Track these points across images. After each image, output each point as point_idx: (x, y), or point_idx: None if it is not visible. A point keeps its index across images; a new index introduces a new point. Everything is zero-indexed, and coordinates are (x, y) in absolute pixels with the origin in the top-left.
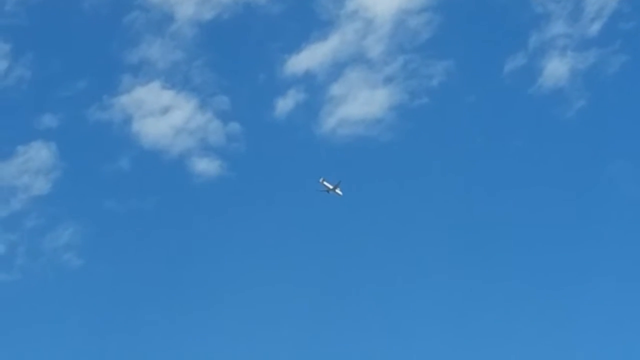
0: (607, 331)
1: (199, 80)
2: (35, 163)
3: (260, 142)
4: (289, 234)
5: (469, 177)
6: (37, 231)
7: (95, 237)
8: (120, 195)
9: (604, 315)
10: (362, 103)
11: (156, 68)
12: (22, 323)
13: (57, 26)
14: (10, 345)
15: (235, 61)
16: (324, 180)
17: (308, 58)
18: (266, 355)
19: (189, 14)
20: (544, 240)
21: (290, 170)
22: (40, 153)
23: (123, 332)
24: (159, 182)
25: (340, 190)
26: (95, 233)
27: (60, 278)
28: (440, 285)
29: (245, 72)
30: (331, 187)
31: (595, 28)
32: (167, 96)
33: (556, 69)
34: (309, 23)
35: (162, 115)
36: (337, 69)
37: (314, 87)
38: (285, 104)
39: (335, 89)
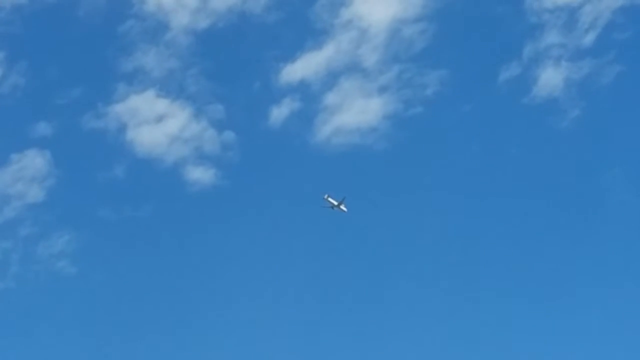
0: (601, 339)
1: (194, 88)
2: (29, 171)
3: (254, 150)
4: (283, 242)
5: (463, 187)
6: (31, 239)
7: (89, 245)
8: (114, 204)
9: (600, 324)
10: (356, 112)
11: (151, 76)
12: (16, 331)
13: (52, 34)
14: (4, 353)
15: (230, 70)
16: (328, 196)
17: (303, 67)
18: None
19: (184, 22)
20: (539, 249)
21: (284, 179)
22: (34, 161)
23: (117, 339)
24: (153, 191)
25: (345, 207)
26: (89, 241)
27: (54, 286)
28: (435, 293)
29: (240, 80)
30: (336, 203)
31: (589, 38)
32: (161, 104)
33: (551, 78)
34: (304, 32)
35: (157, 123)
36: (331, 78)
37: (309, 96)
38: (280, 113)
39: (330, 98)
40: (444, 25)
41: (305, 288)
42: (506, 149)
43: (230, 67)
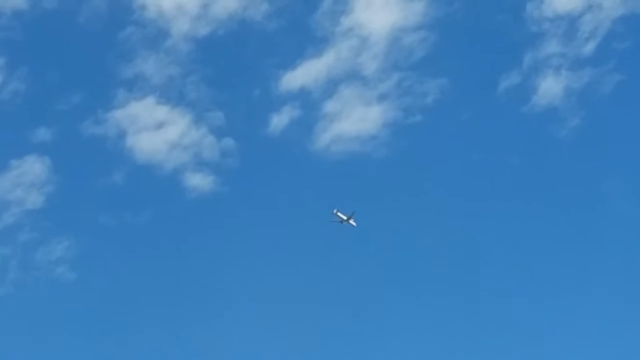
0: (602, 339)
1: (194, 95)
2: (29, 177)
3: (254, 157)
4: (282, 249)
5: (463, 194)
6: (30, 245)
7: (88, 251)
8: (114, 210)
9: (599, 333)
10: (356, 120)
11: (151, 83)
12: (15, 337)
13: (52, 40)
14: (4, 359)
15: (230, 77)
16: (337, 211)
17: (303, 74)
18: None
19: (185, 29)
20: (539, 258)
21: (284, 186)
22: (34, 167)
23: (116, 345)
24: (152, 197)
25: (354, 221)
26: (88, 247)
27: (53, 292)
28: (435, 300)
29: (240, 87)
30: (345, 217)
31: (589, 47)
32: (161, 111)
33: (550, 87)
34: (304, 40)
35: (157, 130)
36: (331, 85)
37: (309, 103)
38: (279, 120)
39: (330, 106)
40: (444, 34)
41: (304, 294)
42: (506, 158)
43: (230, 74)
